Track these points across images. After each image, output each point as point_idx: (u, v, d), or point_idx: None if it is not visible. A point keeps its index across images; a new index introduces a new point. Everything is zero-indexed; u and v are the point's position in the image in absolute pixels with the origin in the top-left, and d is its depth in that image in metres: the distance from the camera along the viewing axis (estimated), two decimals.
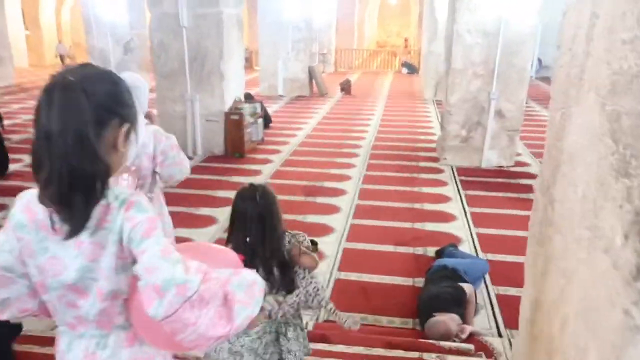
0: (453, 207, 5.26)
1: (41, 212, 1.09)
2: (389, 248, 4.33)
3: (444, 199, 5.49)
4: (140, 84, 2.24)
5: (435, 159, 6.95)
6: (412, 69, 18.52)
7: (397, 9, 29.52)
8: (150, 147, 2.17)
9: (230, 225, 1.92)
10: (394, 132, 8.75)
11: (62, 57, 21.28)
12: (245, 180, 6.10)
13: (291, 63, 12.39)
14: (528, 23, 6.22)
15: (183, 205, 5.25)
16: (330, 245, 4.36)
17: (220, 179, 6.20)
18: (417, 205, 5.28)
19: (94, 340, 1.18)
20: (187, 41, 6.51)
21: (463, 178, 6.15)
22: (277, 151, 7.49)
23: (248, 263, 1.48)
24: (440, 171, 6.47)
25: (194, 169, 6.60)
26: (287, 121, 9.66)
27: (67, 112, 1.02)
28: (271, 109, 10.77)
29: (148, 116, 2.43)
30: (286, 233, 1.96)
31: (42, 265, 1.12)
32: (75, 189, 1.04)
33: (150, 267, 1.05)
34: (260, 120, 7.73)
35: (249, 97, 8.50)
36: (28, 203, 1.11)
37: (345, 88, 13.34)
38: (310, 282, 1.99)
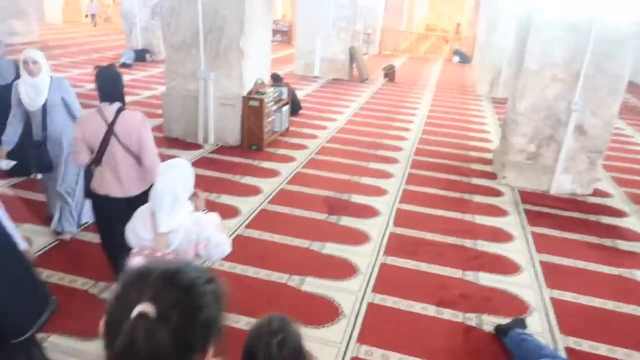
0: (517, 250, 4.04)
1: None
2: (429, 310, 3.19)
3: (505, 236, 4.27)
4: (180, 168, 2.05)
5: (492, 175, 5.70)
6: (464, 58, 16.94)
7: None
8: (194, 234, 1.99)
9: None
10: (442, 133, 7.48)
11: (93, 17, 20.50)
12: (258, 183, 5.04)
13: (331, 42, 11.13)
14: (630, 19, 4.83)
15: None
16: (350, 298, 3.25)
17: (228, 178, 5.14)
18: (467, 243, 4.10)
19: None
20: (201, 8, 5.37)
21: (529, 207, 4.89)
22: (303, 146, 6.37)
23: None
24: (498, 193, 5.23)
25: (200, 162, 5.58)
26: (319, 109, 8.50)
27: None
28: (303, 91, 9.64)
29: (194, 198, 2.12)
30: None
31: None
32: None
33: None
34: (285, 108, 6.60)
35: (277, 79, 7.38)
36: None
37: (389, 74, 12.02)
38: None
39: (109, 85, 2.80)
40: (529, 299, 3.38)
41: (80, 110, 3.60)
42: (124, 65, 10.78)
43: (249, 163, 5.63)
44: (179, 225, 1.92)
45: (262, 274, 3.45)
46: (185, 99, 5.99)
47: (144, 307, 0.75)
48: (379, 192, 5.06)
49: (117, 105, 2.79)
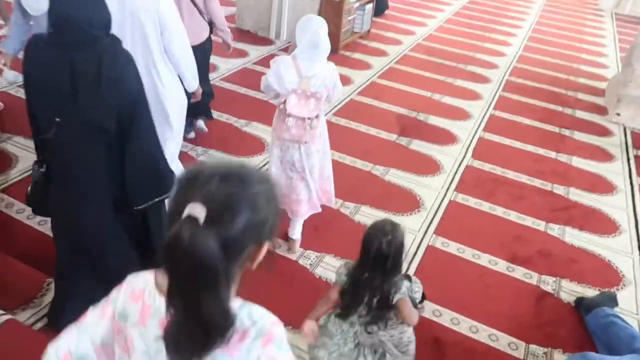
0: (618, 205, 3.38)
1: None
2: (498, 265, 2.73)
3: (605, 186, 3.58)
4: (322, 22, 2.31)
5: (602, 110, 4.81)
6: None
7: None
8: (329, 80, 2.33)
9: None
10: (548, 52, 6.40)
11: None
12: None
13: None
14: None
15: (229, 112, 3.90)
16: (407, 236, 2.83)
17: None
18: (558, 189, 3.47)
19: None
20: None
21: None
22: (382, 53, 5.69)
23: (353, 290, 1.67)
24: (606, 132, 4.40)
25: (268, 59, 5.09)
26: (408, 11, 7.56)
27: None
28: None
29: None
30: (406, 279, 1.71)
31: None
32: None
33: None
34: (369, 7, 5.84)
35: None
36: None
37: None
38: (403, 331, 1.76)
39: None
40: (625, 269, 2.80)
41: None
42: None
43: None
44: (320, 71, 2.30)
45: None
46: None
47: (193, 209, 0.71)
48: (462, 115, 4.41)
49: None
